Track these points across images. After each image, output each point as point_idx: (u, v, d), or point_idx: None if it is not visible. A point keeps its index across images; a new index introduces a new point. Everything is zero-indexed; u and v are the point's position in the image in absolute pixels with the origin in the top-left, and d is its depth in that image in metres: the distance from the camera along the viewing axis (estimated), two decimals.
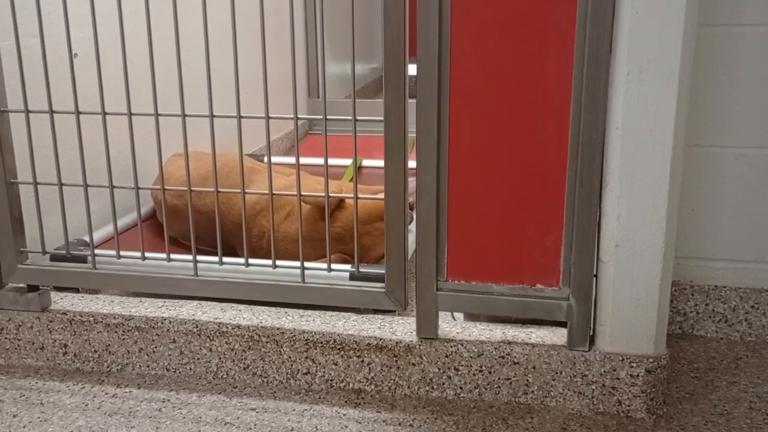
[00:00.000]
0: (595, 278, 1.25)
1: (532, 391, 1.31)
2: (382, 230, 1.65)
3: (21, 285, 1.48)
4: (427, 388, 1.34)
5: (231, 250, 1.74)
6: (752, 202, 1.48)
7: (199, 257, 1.43)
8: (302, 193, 1.39)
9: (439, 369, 1.33)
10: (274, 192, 1.40)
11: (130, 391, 1.38)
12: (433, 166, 1.24)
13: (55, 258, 1.51)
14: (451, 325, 1.36)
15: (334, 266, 1.43)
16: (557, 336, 1.31)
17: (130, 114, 1.37)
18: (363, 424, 1.27)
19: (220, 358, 1.41)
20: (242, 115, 1.35)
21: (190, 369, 1.43)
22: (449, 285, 1.29)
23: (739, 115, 1.44)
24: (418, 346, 1.32)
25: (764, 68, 1.41)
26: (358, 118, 1.32)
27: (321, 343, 1.36)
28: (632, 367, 1.25)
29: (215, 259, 1.44)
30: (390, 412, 1.30)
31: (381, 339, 1.34)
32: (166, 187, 1.47)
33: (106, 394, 1.38)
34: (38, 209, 1.44)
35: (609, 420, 1.27)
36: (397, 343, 1.33)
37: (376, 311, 1.45)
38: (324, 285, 1.38)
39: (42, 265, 1.48)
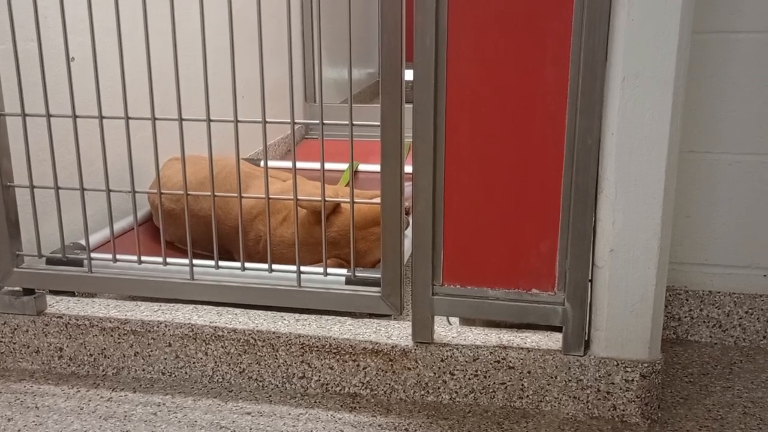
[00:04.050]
0: (590, 283, 1.25)
1: (527, 396, 1.31)
2: (377, 235, 1.66)
3: (17, 288, 1.48)
4: (422, 392, 1.35)
5: (227, 255, 1.74)
6: (747, 208, 1.49)
7: (196, 261, 1.43)
8: (298, 197, 1.40)
9: (435, 373, 1.33)
10: (270, 196, 1.40)
11: (126, 395, 1.38)
12: (430, 171, 1.24)
13: (51, 261, 1.51)
14: (447, 330, 1.37)
15: (330, 270, 1.43)
16: (552, 341, 1.31)
17: (127, 118, 1.37)
18: (358, 428, 1.27)
19: (215, 362, 1.41)
20: (239, 119, 1.35)
21: (186, 373, 1.43)
22: (445, 289, 1.29)
23: (734, 122, 1.45)
24: (413, 351, 1.33)
25: (759, 75, 1.42)
26: (354, 122, 1.32)
27: (317, 347, 1.36)
28: (627, 371, 1.26)
29: (211, 263, 1.44)
30: (385, 416, 1.31)
31: (377, 343, 1.34)
32: (162, 191, 1.47)
33: (102, 397, 1.38)
34: (34, 212, 1.45)
35: (604, 425, 1.27)
36: (392, 347, 1.33)
37: (372, 315, 1.46)
38: (320, 289, 1.38)
39: (38, 268, 1.48)
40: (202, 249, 1.69)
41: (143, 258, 1.46)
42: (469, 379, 1.32)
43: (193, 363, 1.42)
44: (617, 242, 1.21)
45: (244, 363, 1.40)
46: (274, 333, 1.37)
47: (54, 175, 1.42)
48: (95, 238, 1.75)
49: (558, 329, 1.29)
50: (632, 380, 1.26)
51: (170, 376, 1.44)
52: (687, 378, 1.42)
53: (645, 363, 1.25)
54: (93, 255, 1.48)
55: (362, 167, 2.52)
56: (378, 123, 1.27)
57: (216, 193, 1.41)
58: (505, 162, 1.22)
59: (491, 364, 1.30)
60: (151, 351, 1.43)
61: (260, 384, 1.40)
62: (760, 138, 1.45)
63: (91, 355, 1.45)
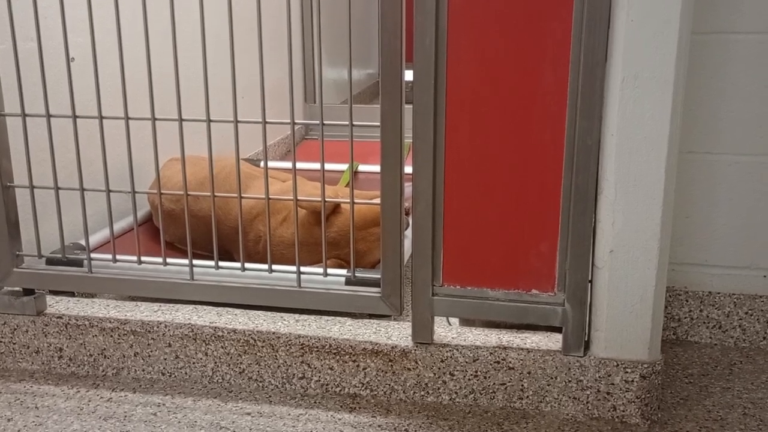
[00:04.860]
0: (590, 284, 1.25)
1: (527, 397, 1.31)
2: (377, 235, 1.66)
3: (16, 288, 1.48)
4: (422, 393, 1.35)
5: (227, 255, 1.74)
6: (747, 209, 1.49)
7: (195, 261, 1.43)
8: (298, 197, 1.40)
9: (435, 374, 1.33)
10: (270, 197, 1.40)
11: (126, 396, 1.38)
12: (429, 172, 1.24)
13: (50, 262, 1.51)
14: (447, 330, 1.37)
15: (329, 271, 1.43)
16: (552, 341, 1.31)
17: (127, 118, 1.38)
18: (358, 428, 1.27)
19: (215, 363, 1.41)
20: (239, 119, 1.35)
21: (186, 373, 1.43)
22: (445, 290, 1.29)
23: (734, 122, 1.45)
24: (413, 351, 1.33)
25: (759, 76, 1.42)
26: (354, 123, 1.32)
27: (317, 347, 1.36)
28: (627, 372, 1.26)
29: (211, 263, 1.44)
30: (385, 417, 1.31)
31: (376, 344, 1.34)
32: (162, 191, 1.47)
33: (101, 398, 1.38)
34: (34, 213, 1.44)
35: (604, 425, 1.27)
36: (392, 347, 1.33)
37: (371, 316, 1.46)
38: (320, 290, 1.38)
39: (38, 268, 1.48)
40: (202, 249, 1.69)
41: (143, 258, 1.46)
42: (469, 379, 1.32)
43: (193, 363, 1.42)
44: (617, 243, 1.21)
45: (243, 363, 1.40)
46: (273, 333, 1.37)
47: (54, 175, 1.42)
48: (95, 239, 1.75)
49: (558, 330, 1.29)
50: (632, 381, 1.26)
51: (170, 376, 1.44)
52: (687, 379, 1.42)
53: (645, 364, 1.25)
54: (93, 255, 1.48)
55: (362, 168, 2.52)
56: (378, 123, 1.27)
57: (216, 194, 1.41)
58: (505, 162, 1.22)
59: (491, 364, 1.30)
60: (151, 351, 1.43)
61: (260, 384, 1.40)
62: (760, 138, 1.45)
63: (90, 355, 1.45)
